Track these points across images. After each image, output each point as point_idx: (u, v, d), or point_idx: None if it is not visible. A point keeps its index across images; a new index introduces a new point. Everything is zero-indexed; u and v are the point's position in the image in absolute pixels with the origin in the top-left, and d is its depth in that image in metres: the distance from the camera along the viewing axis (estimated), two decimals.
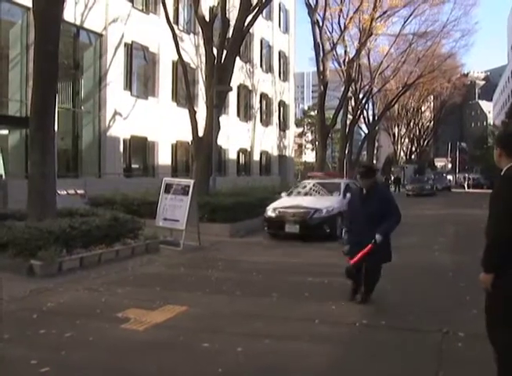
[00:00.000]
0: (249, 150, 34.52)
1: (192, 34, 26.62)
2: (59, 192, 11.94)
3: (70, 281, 8.09)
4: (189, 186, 11.88)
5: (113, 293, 7.39)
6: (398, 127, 63.87)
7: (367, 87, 41.52)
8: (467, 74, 79.32)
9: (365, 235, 6.48)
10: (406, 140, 68.48)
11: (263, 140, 36.05)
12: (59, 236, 9.03)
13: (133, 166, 23.81)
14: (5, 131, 17.75)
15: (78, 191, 15.05)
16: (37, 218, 9.65)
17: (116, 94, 21.77)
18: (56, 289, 7.61)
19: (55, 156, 10.97)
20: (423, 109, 66.99)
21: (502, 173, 3.80)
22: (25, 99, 17.62)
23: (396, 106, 53.57)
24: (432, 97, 66.44)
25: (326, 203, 13.75)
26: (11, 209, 12.27)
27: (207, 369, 4.61)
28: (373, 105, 49.72)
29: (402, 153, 67.99)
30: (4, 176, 16.51)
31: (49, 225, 9.15)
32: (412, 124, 65.52)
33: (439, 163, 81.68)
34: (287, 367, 4.67)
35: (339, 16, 34.47)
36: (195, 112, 17.97)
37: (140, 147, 24.02)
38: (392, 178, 52.37)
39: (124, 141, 22.50)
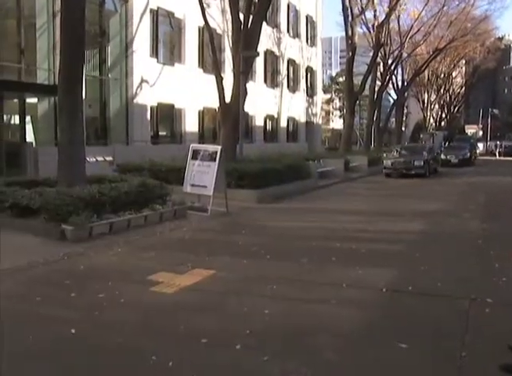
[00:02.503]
0: (276, 116, 34.25)
1: None
2: (88, 159, 12.11)
3: (100, 246, 8.28)
4: (216, 152, 11.90)
5: (142, 257, 7.54)
6: (427, 93, 62.41)
7: (396, 52, 40.57)
8: (502, 37, 76.67)
9: None
10: (436, 106, 66.97)
11: (290, 107, 35.69)
12: (89, 201, 9.21)
13: (160, 133, 23.88)
14: (34, 100, 17.95)
15: (107, 158, 15.26)
16: (68, 185, 9.83)
17: (142, 61, 21.72)
18: (87, 253, 7.79)
19: (84, 123, 11.07)
20: (454, 74, 65.25)
21: None
22: (53, 67, 17.72)
23: (426, 71, 52.22)
24: (464, 62, 64.65)
25: None
26: (42, 176, 12.52)
27: (235, 329, 4.70)
28: (402, 70, 48.59)
29: (431, 120, 66.63)
30: (34, 144, 16.82)
31: (79, 191, 9.32)
32: (442, 90, 63.92)
33: (470, 130, 79.82)
34: (314, 329, 4.73)
35: None
36: (222, 78, 17.88)
37: (167, 114, 24.04)
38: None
39: (151, 108, 22.53)
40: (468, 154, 34.02)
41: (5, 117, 15.97)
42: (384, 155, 27.39)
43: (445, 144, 40.95)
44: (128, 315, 5.13)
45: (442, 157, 31.88)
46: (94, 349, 4.32)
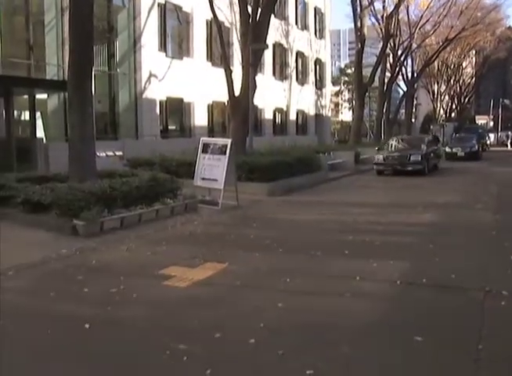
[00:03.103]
0: (285, 109, 34.13)
1: None
2: (98, 154, 12.11)
3: (112, 240, 8.28)
4: (226, 146, 11.86)
5: (154, 251, 7.53)
6: (437, 84, 61.91)
7: (406, 43, 40.28)
8: None
9: None
10: (446, 97, 66.44)
11: (299, 99, 35.55)
12: (101, 196, 9.21)
13: (170, 127, 23.87)
14: (44, 96, 17.98)
15: (117, 153, 15.25)
16: (79, 180, 9.84)
17: (151, 55, 21.69)
18: (99, 248, 7.80)
19: (94, 118, 11.08)
20: (464, 65, 64.67)
21: None
22: (62, 63, 17.73)
23: (436, 62, 51.78)
24: (474, 52, 64.05)
25: None
26: (52, 171, 12.55)
27: (248, 324, 4.67)
28: (412, 61, 48.25)
29: (441, 111, 66.12)
30: (45, 140, 16.85)
31: (90, 186, 9.32)
32: (452, 80, 63.34)
33: (480, 120, 79.10)
34: (329, 323, 4.69)
35: None
36: (231, 71, 17.80)
37: (176, 108, 24.02)
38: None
39: (161, 102, 22.52)
40: (476, 147, 30.29)
41: (15, 113, 15.97)
42: (376, 148, 23.21)
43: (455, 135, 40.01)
44: (140, 309, 5.12)
45: (447, 149, 29.41)
46: (108, 344, 4.31)
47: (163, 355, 4.03)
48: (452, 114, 67.66)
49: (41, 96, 17.74)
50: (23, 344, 4.33)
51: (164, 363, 3.95)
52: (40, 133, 17.23)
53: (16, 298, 5.51)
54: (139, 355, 4.09)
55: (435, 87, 62.23)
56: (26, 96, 16.85)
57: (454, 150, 29.45)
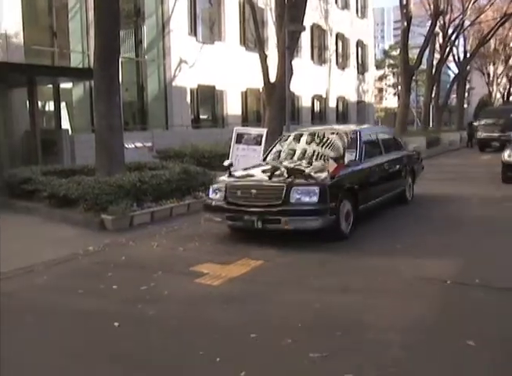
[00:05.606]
0: (324, 95, 33.95)
1: None
2: (126, 145, 12.31)
3: (141, 235, 8.44)
4: (261, 136, 11.91)
5: (185, 247, 7.64)
6: (493, 65, 60.47)
7: (458, 20, 39.46)
8: None
9: None
10: (504, 80, 64.87)
11: (339, 85, 35.27)
12: (129, 190, 9.41)
13: (201, 117, 24.05)
14: (68, 85, 18.29)
15: (146, 144, 15.46)
16: (106, 173, 10.04)
17: (180, 40, 21.86)
18: (128, 243, 7.97)
19: (121, 108, 11.24)
20: None
21: None
22: (87, 50, 18.04)
23: (492, 40, 50.57)
24: None
25: None
26: (78, 164, 12.84)
27: (286, 323, 4.71)
28: (464, 41, 47.34)
29: (498, 95, 64.62)
30: (70, 131, 17.21)
31: (119, 179, 9.52)
32: (511, 61, 61.89)
33: None
34: (372, 324, 4.66)
35: None
36: (266, 56, 17.81)
37: (208, 96, 24.18)
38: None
39: (191, 90, 22.70)
40: None
41: (39, 103, 16.32)
42: (226, 163, 9.13)
43: None
44: (172, 308, 5.22)
45: None
46: (139, 343, 4.42)
47: (195, 355, 4.12)
48: (511, 98, 66.01)
49: (65, 85, 18.04)
50: (52, 342, 4.48)
51: (197, 363, 4.03)
52: (65, 124, 17.56)
53: (44, 295, 5.70)
54: (171, 355, 4.19)
55: (491, 68, 60.72)
56: (50, 86, 17.19)
57: None
